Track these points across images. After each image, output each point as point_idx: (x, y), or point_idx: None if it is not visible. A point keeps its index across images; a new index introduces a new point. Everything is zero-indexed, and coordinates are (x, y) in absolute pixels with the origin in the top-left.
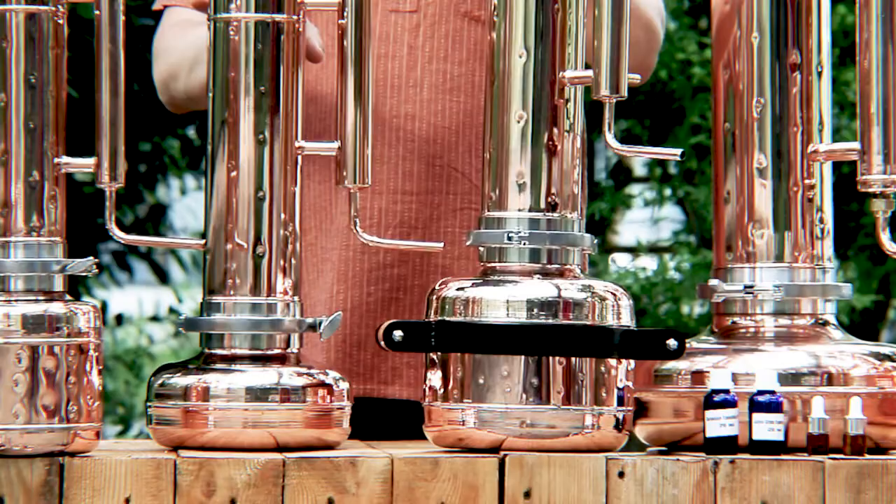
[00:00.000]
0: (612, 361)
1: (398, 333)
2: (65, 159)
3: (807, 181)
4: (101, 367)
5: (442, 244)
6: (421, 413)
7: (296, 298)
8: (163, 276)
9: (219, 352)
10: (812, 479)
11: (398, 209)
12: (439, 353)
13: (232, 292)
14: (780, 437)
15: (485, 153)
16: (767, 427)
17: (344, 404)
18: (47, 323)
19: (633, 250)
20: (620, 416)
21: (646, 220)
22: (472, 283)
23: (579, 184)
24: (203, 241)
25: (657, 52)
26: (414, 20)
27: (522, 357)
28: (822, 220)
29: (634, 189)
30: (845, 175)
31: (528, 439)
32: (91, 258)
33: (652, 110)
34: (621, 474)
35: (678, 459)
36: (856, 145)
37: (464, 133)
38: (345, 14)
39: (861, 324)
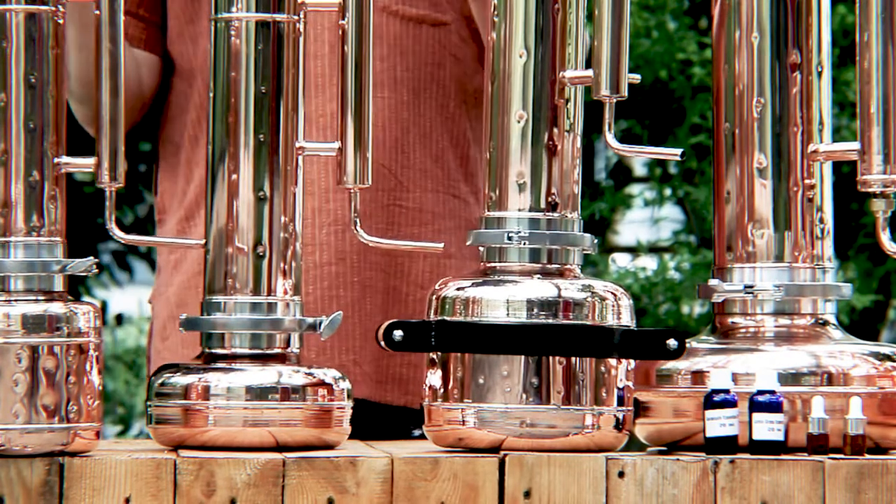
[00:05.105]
0: (612, 361)
1: (398, 333)
2: (65, 159)
3: (807, 181)
4: (101, 367)
5: (442, 244)
6: (375, 410)
7: (296, 298)
8: None
9: (219, 351)
10: (812, 479)
11: (331, 207)
12: (439, 353)
13: (232, 292)
14: (780, 436)
15: (485, 153)
16: (767, 427)
17: (344, 404)
18: (47, 323)
19: (633, 250)
20: (620, 415)
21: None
22: (472, 283)
23: (579, 184)
24: (203, 241)
25: None
26: (332, 17)
27: (522, 357)
28: (822, 220)
29: (634, 189)
30: (845, 175)
31: (528, 439)
32: (91, 258)
33: (652, 110)
34: (621, 474)
35: (678, 459)
36: (856, 145)
37: (389, 128)
38: (345, 17)
39: (861, 324)
